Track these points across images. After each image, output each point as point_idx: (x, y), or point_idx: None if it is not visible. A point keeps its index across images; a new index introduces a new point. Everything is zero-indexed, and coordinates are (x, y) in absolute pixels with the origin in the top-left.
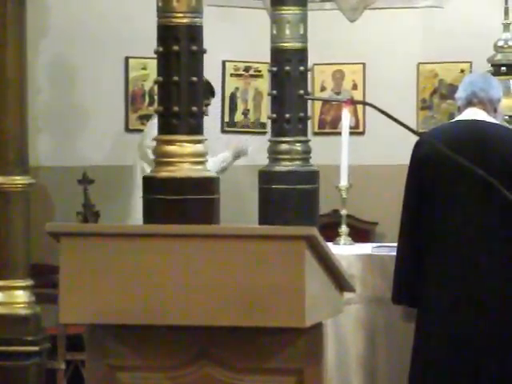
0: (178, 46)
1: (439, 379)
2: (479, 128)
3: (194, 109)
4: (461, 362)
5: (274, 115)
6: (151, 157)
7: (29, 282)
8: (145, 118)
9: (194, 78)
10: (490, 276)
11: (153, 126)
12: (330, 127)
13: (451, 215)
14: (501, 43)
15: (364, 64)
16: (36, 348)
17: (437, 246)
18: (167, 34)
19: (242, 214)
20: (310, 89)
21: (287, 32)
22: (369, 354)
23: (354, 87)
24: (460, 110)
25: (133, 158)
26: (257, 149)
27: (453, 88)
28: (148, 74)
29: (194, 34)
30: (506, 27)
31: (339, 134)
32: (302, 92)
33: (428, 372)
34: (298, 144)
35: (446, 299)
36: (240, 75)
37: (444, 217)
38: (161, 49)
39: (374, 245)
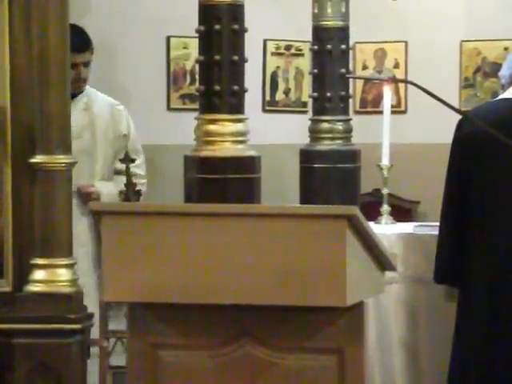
0: (220, 25)
1: (481, 358)
2: None
3: (236, 88)
4: (503, 337)
5: (315, 94)
6: None
7: (72, 261)
8: (186, 98)
9: (236, 57)
10: None
11: None
12: (371, 106)
13: (495, 193)
14: None
15: (406, 42)
16: (79, 326)
17: (480, 223)
18: (209, 13)
19: (283, 193)
20: (351, 67)
21: (329, 10)
22: (410, 334)
23: (396, 66)
24: (504, 88)
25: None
26: (298, 128)
27: (496, 66)
28: (189, 53)
29: (236, 12)
30: None
31: (381, 112)
32: (343, 71)
33: (470, 352)
34: (339, 123)
35: (489, 274)
36: (281, 54)
37: (487, 195)
38: (202, 28)
39: (416, 224)
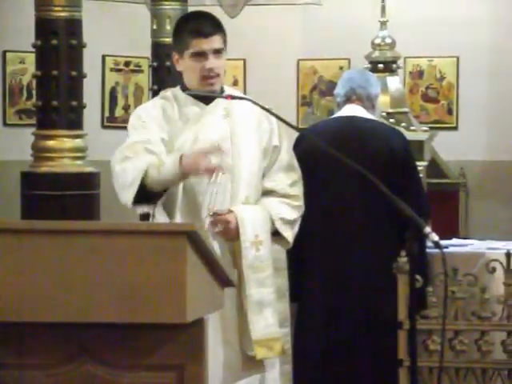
0: (57, 39)
1: (318, 363)
2: (358, 124)
3: (74, 103)
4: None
5: None
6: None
7: None
8: (23, 113)
9: (74, 73)
10: (360, 266)
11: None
12: None
13: (330, 209)
14: (378, 41)
15: (244, 60)
16: None
17: (314, 241)
18: (45, 27)
19: (122, 208)
20: None
21: (167, 27)
22: None
23: (235, 83)
24: (339, 106)
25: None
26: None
27: (332, 84)
28: (26, 67)
29: (73, 27)
30: (382, 25)
31: None
32: None
33: (308, 363)
34: None
35: (324, 297)
36: (120, 70)
37: (322, 210)
38: (39, 43)
39: None
